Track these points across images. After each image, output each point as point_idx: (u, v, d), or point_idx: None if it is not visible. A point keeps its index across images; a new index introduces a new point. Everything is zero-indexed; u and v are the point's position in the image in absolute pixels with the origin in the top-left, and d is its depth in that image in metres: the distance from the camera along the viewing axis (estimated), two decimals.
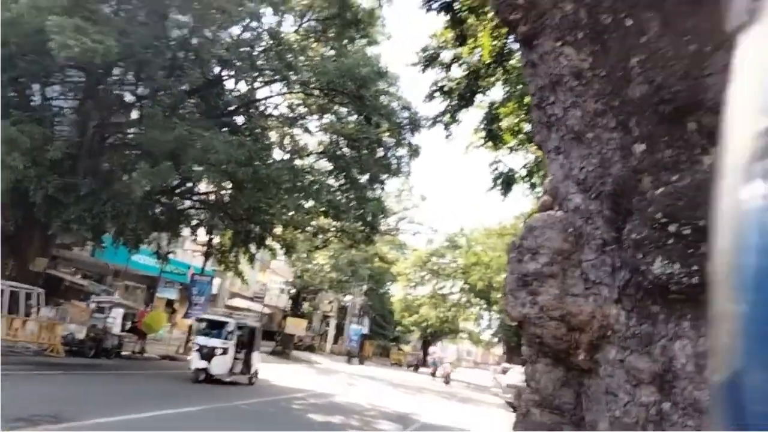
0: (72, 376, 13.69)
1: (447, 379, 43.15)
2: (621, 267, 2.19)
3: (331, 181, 21.15)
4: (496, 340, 68.24)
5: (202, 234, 27.15)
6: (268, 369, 26.68)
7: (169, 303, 34.99)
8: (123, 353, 20.54)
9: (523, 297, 2.61)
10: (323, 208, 20.28)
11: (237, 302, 45.85)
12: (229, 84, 22.18)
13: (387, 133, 21.22)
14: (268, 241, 26.29)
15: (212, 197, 23.87)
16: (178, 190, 22.90)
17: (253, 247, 25.71)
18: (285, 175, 17.27)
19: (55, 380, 12.73)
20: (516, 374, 28.93)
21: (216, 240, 27.56)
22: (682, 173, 1.82)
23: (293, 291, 47.04)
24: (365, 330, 60.86)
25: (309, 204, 20.06)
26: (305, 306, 50.66)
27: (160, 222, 21.96)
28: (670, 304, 2.06)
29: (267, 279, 51.13)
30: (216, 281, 36.94)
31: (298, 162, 20.01)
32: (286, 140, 20.56)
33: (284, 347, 39.22)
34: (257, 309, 48.34)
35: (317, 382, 23.88)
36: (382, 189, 21.83)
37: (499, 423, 19.86)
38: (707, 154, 1.91)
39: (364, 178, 21.25)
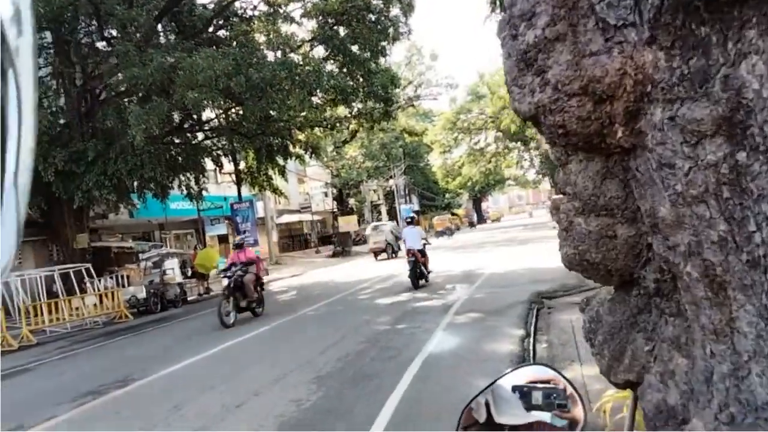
0: (141, 335, 13.65)
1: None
2: None
3: (330, 67, 19.73)
4: (541, 176, 67.66)
5: (228, 164, 26.58)
6: (330, 271, 26.89)
7: (222, 238, 35.29)
8: (189, 299, 20.69)
9: (529, 82, 1.77)
10: (331, 96, 19.08)
11: (286, 218, 46.19)
12: None
13: None
14: (292, 150, 25.52)
15: (222, 122, 23.01)
16: (186, 126, 22.05)
17: (280, 160, 25.04)
18: (281, 73, 16.04)
19: (125, 344, 12.68)
20: None
21: (243, 165, 26.98)
22: None
23: (335, 191, 46.81)
24: (416, 207, 61.13)
25: (316, 97, 18.88)
26: (351, 202, 50.63)
27: (178, 163, 21.31)
28: (724, 15, 1.25)
29: (308, 188, 51.15)
30: (259, 205, 36.92)
31: (292, 57, 18.57)
32: (273, 37, 19.04)
33: (343, 246, 39.53)
34: (307, 218, 48.78)
35: (381, 269, 23.83)
36: (386, 58, 20.28)
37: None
38: None
39: (364, 54, 19.72)
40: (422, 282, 15.43)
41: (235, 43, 18.92)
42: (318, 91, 17.07)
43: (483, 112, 55.18)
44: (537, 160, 56.90)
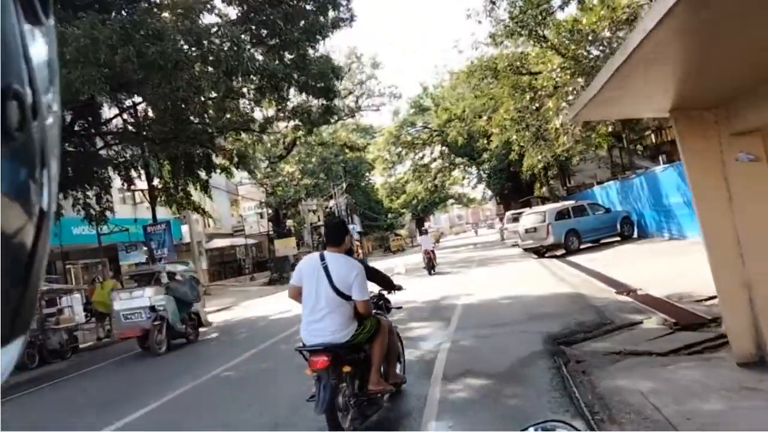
0: None
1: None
2: None
3: (258, 56, 15.78)
4: (489, 194, 65.37)
5: (141, 179, 22.25)
6: (265, 302, 22.86)
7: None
8: (82, 346, 16.34)
9: None
10: (257, 83, 15.21)
11: (217, 243, 41.81)
12: None
13: None
14: (216, 161, 21.48)
15: (125, 120, 18.84)
16: (77, 128, 17.78)
17: (202, 174, 20.93)
18: (187, 48, 12.15)
19: None
20: (534, 217, 24.71)
21: (158, 180, 22.61)
22: None
23: (271, 212, 42.59)
24: (358, 228, 57.59)
25: (236, 83, 14.84)
26: (289, 223, 46.46)
27: (69, 177, 16.99)
28: None
29: (242, 210, 47.02)
30: (185, 228, 32.52)
31: (202, 24, 14.26)
32: (182, 17, 14.92)
33: (280, 273, 35.34)
34: (240, 242, 44.40)
35: None
36: (325, 40, 16.46)
37: (537, 272, 16.25)
38: None
39: (298, 34, 15.85)
40: (433, 272, 22.12)
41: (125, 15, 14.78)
42: (239, 74, 13.10)
43: (427, 125, 52.29)
44: (485, 175, 54.23)
